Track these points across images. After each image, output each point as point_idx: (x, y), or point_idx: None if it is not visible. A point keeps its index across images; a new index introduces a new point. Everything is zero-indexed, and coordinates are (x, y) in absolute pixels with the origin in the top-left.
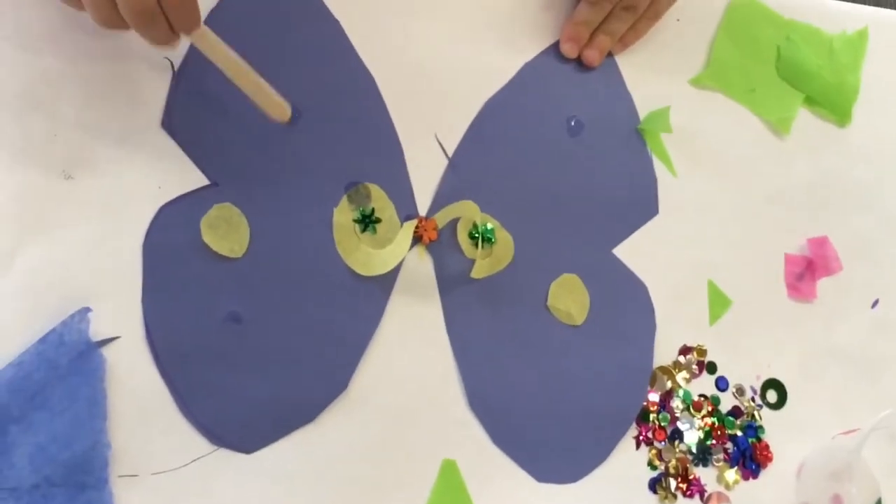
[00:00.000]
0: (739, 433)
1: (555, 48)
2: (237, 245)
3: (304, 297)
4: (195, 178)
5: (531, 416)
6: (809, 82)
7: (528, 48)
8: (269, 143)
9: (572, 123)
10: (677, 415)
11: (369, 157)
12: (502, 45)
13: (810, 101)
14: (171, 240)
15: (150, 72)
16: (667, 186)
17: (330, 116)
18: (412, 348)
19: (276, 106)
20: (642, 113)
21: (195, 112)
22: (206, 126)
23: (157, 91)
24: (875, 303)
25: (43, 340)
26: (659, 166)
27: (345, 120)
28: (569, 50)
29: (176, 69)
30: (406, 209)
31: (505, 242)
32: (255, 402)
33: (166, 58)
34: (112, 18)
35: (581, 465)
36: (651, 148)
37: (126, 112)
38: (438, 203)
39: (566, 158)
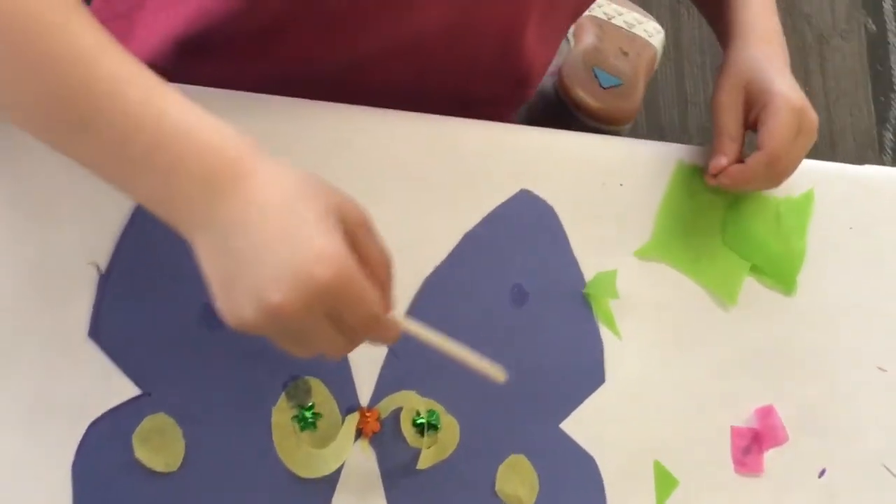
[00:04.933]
0: None
1: (496, 214)
2: (171, 458)
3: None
4: (125, 389)
5: None
6: (756, 251)
7: (469, 216)
8: (203, 345)
9: (516, 292)
10: None
11: None
12: (441, 215)
13: (756, 270)
14: (101, 459)
15: (75, 277)
16: (613, 354)
17: None
18: None
19: (488, 369)
20: (588, 278)
21: (124, 318)
22: (136, 333)
23: (83, 298)
24: (822, 472)
25: None
26: (605, 333)
27: None
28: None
29: (102, 273)
30: (347, 400)
31: (450, 427)
32: None
33: (92, 262)
34: (347, 346)
35: None
36: (597, 313)
37: (50, 320)
38: (381, 391)
39: (510, 330)
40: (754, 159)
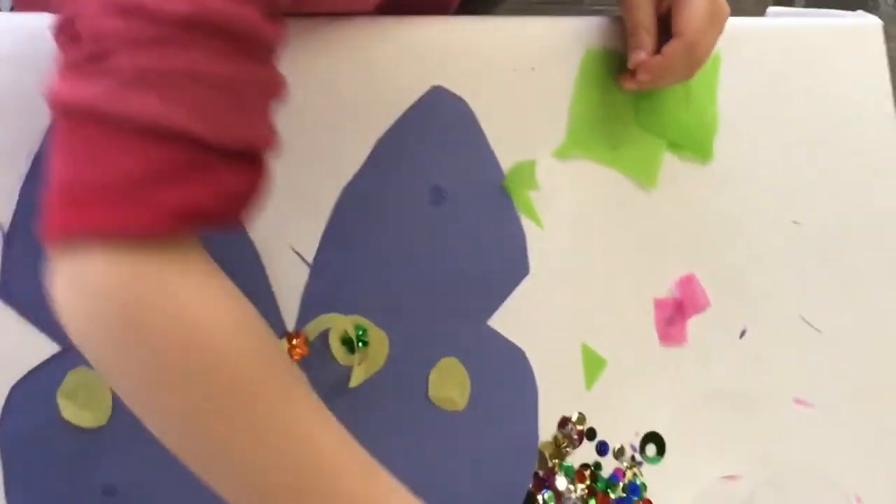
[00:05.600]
0: (623, 495)
1: (408, 117)
2: (100, 412)
3: None
4: (43, 346)
5: None
6: (669, 126)
7: (381, 121)
8: None
9: (434, 193)
10: (562, 490)
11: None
12: (352, 123)
13: (673, 146)
14: (27, 422)
15: None
16: (535, 244)
17: None
18: None
19: None
20: (506, 170)
21: (33, 273)
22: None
23: None
24: (743, 333)
25: None
26: (527, 224)
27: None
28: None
29: (5, 231)
30: (274, 327)
31: (379, 341)
32: None
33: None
34: None
35: None
36: (517, 205)
37: None
38: (306, 314)
39: (430, 232)
40: (671, 48)
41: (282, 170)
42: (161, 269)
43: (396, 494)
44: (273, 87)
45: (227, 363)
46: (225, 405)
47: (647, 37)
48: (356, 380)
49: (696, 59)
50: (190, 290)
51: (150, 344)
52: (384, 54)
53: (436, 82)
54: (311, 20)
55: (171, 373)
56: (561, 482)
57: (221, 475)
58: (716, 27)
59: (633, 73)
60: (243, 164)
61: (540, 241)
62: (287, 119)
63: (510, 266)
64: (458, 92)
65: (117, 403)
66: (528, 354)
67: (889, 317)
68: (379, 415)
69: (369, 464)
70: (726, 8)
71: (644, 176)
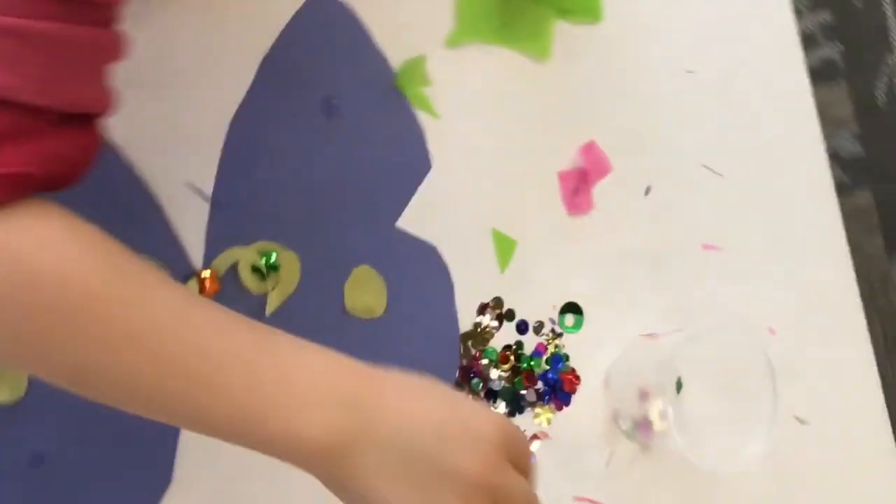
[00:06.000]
0: (547, 368)
1: (291, 28)
2: (15, 385)
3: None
4: None
5: None
6: None
7: (264, 37)
8: None
9: (325, 105)
10: (487, 375)
11: (129, 229)
12: (235, 43)
13: (562, 13)
14: None
15: None
16: (434, 136)
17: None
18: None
19: None
20: (397, 68)
21: None
22: None
23: None
24: (648, 189)
25: None
26: (424, 118)
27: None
28: None
29: None
30: (182, 269)
31: (290, 262)
32: None
33: None
34: None
35: None
36: (412, 101)
37: None
38: (213, 249)
39: (328, 144)
40: None
41: (169, 105)
42: None
43: (284, 383)
44: (108, 49)
45: (52, 284)
46: (62, 324)
47: None
48: (272, 305)
49: None
50: (22, 236)
51: None
52: None
53: None
54: None
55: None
56: (486, 366)
57: (102, 393)
58: None
59: None
60: (74, 127)
61: (439, 133)
62: (169, 53)
63: (412, 164)
64: None
65: (32, 377)
66: (439, 249)
67: (786, 150)
68: (300, 336)
69: (254, 351)
70: None
71: (537, 49)
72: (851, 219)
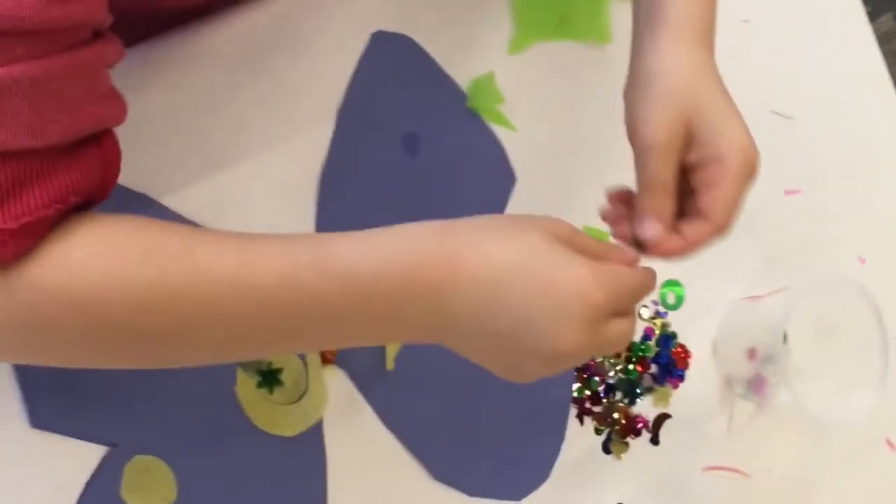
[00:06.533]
0: (658, 350)
1: (359, 75)
2: (167, 490)
3: (248, 490)
4: (91, 453)
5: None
6: None
7: (334, 93)
8: (136, 376)
9: (407, 140)
10: (604, 371)
11: None
12: (309, 95)
13: None
14: None
15: None
16: (515, 149)
17: None
18: (363, 463)
19: None
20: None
21: (55, 391)
22: (69, 398)
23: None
24: None
25: None
26: (501, 133)
27: None
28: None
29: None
30: None
31: None
32: None
33: None
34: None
35: (545, 460)
36: (487, 118)
37: None
38: None
39: (415, 180)
40: (698, 233)
41: (259, 169)
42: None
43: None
44: (93, 65)
45: (97, 310)
46: (126, 336)
47: (665, 200)
48: (390, 360)
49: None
50: (67, 269)
51: (55, 335)
52: (311, 23)
53: (377, 28)
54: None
55: (76, 344)
56: (601, 363)
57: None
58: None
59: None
60: (86, 146)
61: (517, 144)
62: (248, 120)
63: (498, 181)
64: (398, 30)
65: (178, 475)
66: None
67: (849, 84)
68: (418, 387)
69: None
70: (758, 162)
71: (597, 33)
72: None
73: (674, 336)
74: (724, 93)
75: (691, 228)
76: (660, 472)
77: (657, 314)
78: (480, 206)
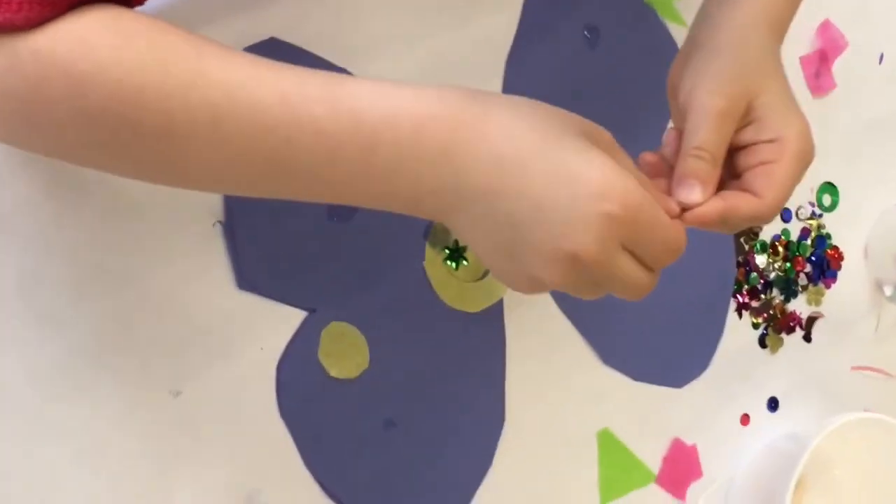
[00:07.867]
0: (813, 250)
1: None
2: (360, 357)
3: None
4: (293, 317)
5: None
6: None
7: None
8: (334, 241)
9: (587, 34)
10: (762, 268)
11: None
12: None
13: None
14: (301, 391)
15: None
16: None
17: None
18: (539, 343)
19: None
20: None
21: (261, 255)
22: (274, 263)
23: (210, 257)
24: (881, 58)
25: None
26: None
27: None
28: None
29: (223, 223)
30: None
31: None
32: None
33: (216, 221)
34: (652, 280)
35: (705, 350)
36: (662, 15)
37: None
38: None
39: (593, 76)
40: (744, 208)
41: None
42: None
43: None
44: None
45: (98, 88)
46: (122, 125)
47: (711, 168)
48: None
49: (763, 221)
50: (72, 46)
51: (52, 112)
52: None
53: None
54: None
55: (72, 127)
56: (760, 259)
57: (191, 183)
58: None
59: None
60: None
61: None
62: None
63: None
64: None
65: (371, 345)
66: None
67: None
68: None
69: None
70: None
71: None
72: None
73: (828, 237)
74: (788, 82)
75: (735, 196)
76: (811, 369)
77: (813, 215)
78: (655, 104)
